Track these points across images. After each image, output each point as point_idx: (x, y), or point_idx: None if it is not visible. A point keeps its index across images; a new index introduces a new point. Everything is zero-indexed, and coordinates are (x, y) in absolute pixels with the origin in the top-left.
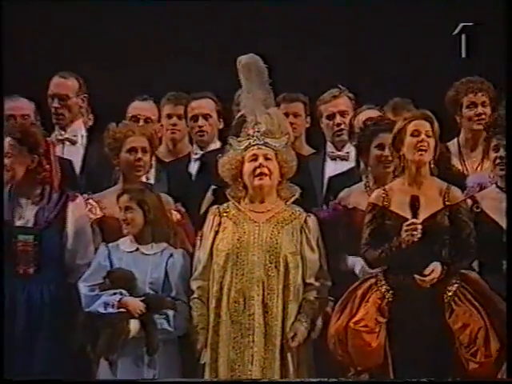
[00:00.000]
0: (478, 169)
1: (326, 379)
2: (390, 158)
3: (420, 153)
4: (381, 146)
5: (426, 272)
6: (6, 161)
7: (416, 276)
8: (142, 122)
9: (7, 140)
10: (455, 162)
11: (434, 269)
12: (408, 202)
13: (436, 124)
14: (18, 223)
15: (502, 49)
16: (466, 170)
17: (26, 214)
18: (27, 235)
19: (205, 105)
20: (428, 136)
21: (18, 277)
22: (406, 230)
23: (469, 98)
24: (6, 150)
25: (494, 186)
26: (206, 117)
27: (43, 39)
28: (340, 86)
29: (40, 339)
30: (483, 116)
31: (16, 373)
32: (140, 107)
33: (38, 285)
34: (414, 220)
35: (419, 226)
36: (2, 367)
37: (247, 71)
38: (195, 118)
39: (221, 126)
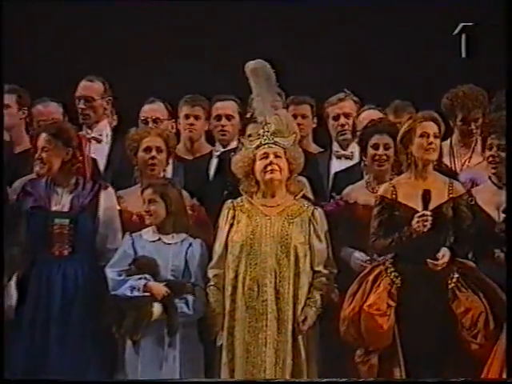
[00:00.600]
0: (464, 166)
1: (333, 379)
2: (385, 158)
3: (428, 153)
4: (375, 146)
5: (438, 257)
6: (43, 154)
7: (429, 260)
8: (151, 123)
9: (43, 136)
10: (445, 159)
11: (444, 254)
12: (420, 194)
13: (443, 125)
14: (55, 208)
15: (501, 49)
16: (455, 167)
17: (62, 201)
18: (63, 219)
19: (229, 106)
20: (435, 137)
21: (54, 258)
22: (418, 221)
23: (463, 113)
24: (43, 145)
25: (489, 181)
26: (228, 117)
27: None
28: (345, 90)
29: (73, 318)
30: (475, 130)
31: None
32: (148, 109)
33: (72, 265)
34: (425, 212)
35: (430, 218)
36: (2, 367)
37: (255, 76)
38: (218, 118)
39: (241, 127)
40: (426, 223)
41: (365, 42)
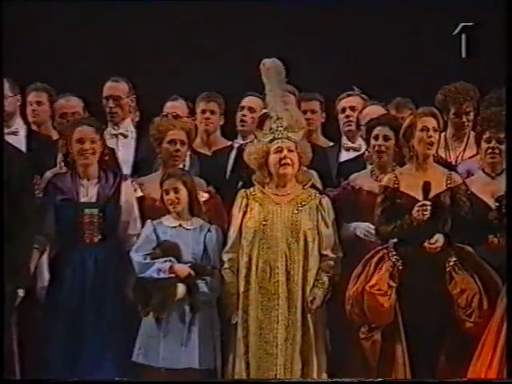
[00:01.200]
0: (459, 158)
1: (338, 379)
2: (383, 148)
3: (428, 146)
4: (376, 137)
5: (432, 241)
6: (88, 146)
7: (425, 243)
8: (164, 118)
9: (87, 128)
10: (441, 152)
11: (438, 239)
12: (420, 185)
13: (441, 120)
14: (83, 200)
15: (502, 49)
16: (450, 159)
17: (89, 192)
18: (92, 209)
19: (253, 101)
20: (435, 131)
21: (85, 245)
22: (418, 210)
23: (456, 107)
24: (90, 137)
25: (481, 172)
26: (250, 110)
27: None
28: (354, 87)
29: (105, 299)
30: (466, 122)
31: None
32: (170, 106)
33: (103, 251)
34: (425, 201)
35: (429, 207)
36: (2, 367)
37: (268, 73)
38: (241, 109)
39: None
40: (425, 212)
41: (368, 43)
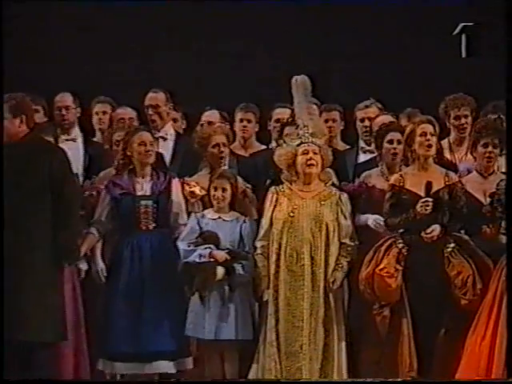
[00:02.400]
0: (463, 159)
1: (347, 379)
2: (397, 151)
3: (427, 148)
4: (390, 141)
5: (428, 231)
6: (150, 148)
7: (422, 234)
8: (205, 125)
9: (146, 134)
10: (446, 154)
11: (434, 229)
12: (424, 183)
13: (437, 126)
14: (140, 193)
15: (502, 49)
16: (455, 159)
17: (144, 187)
18: (147, 201)
19: (283, 112)
20: (432, 135)
21: (142, 231)
22: (421, 206)
23: (455, 111)
24: (150, 141)
25: (475, 172)
26: (280, 120)
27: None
28: (371, 98)
29: (158, 278)
30: (465, 125)
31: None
32: (208, 115)
33: (156, 237)
34: (428, 198)
35: (430, 203)
36: (1, 367)
37: (298, 88)
38: (277, 121)
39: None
40: (427, 207)
41: (373, 48)
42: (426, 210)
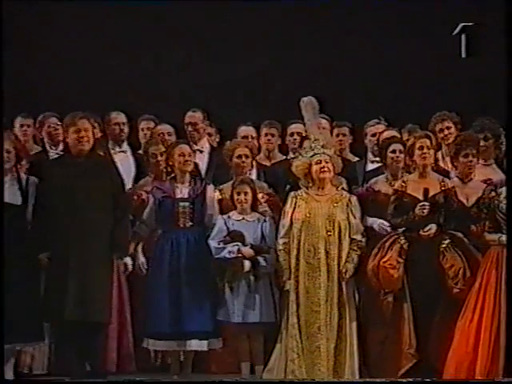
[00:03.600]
0: (453, 168)
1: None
2: (400, 159)
3: (425, 159)
4: (393, 151)
5: (426, 229)
6: (189, 158)
7: (420, 231)
8: (239, 138)
9: (185, 147)
10: (441, 163)
11: (431, 227)
12: (422, 190)
13: (434, 140)
14: (179, 196)
15: (502, 49)
16: (447, 168)
17: (183, 192)
18: (185, 203)
19: (300, 127)
20: (428, 148)
21: (180, 228)
22: (419, 208)
23: (439, 125)
24: (188, 152)
25: (457, 178)
26: (299, 134)
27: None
28: (380, 117)
29: (194, 269)
30: (449, 135)
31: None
32: (244, 130)
33: (192, 234)
34: (425, 202)
35: (427, 206)
36: (1, 367)
37: (306, 107)
38: (292, 135)
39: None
40: (424, 210)
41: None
42: (424, 212)
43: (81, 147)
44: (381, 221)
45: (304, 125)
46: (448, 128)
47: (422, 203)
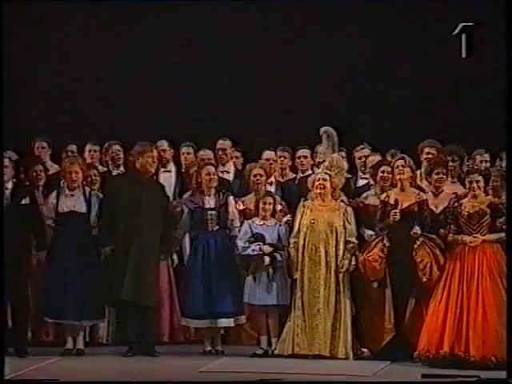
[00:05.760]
0: (428, 184)
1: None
2: (388, 178)
3: (401, 176)
4: (382, 172)
5: (415, 231)
6: (215, 177)
7: (412, 230)
8: (263, 160)
9: (211, 168)
10: (418, 180)
11: (417, 230)
12: (394, 200)
13: (407, 160)
14: (207, 206)
15: (501, 49)
16: (422, 185)
17: (210, 202)
18: (213, 211)
19: (306, 152)
20: (403, 167)
21: (209, 232)
22: (392, 215)
23: (426, 149)
24: (213, 172)
25: (430, 192)
26: (305, 157)
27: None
28: (365, 143)
29: (223, 265)
30: (430, 158)
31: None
32: (267, 153)
33: (220, 236)
34: (396, 210)
35: (398, 213)
36: (2, 367)
37: (322, 135)
38: (299, 157)
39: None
40: (395, 216)
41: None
42: (395, 218)
43: (150, 169)
44: (370, 232)
45: (311, 149)
46: (431, 153)
47: (394, 211)
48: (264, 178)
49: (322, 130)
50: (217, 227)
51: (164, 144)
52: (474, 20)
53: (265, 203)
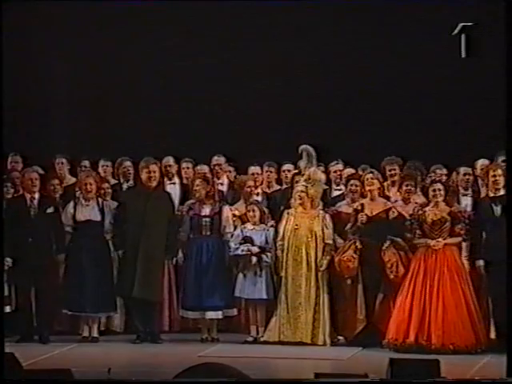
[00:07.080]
0: (396, 194)
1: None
2: (358, 189)
3: (371, 187)
4: (352, 183)
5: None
6: (213, 189)
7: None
8: (249, 174)
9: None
10: (386, 191)
11: (389, 240)
12: (359, 206)
13: (375, 174)
14: (203, 214)
15: (502, 49)
16: (390, 194)
17: (207, 211)
18: (208, 218)
19: (290, 166)
20: (372, 179)
21: (202, 236)
22: (359, 218)
23: (388, 166)
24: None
25: (401, 200)
26: (289, 171)
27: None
28: (340, 159)
29: (216, 264)
30: (393, 173)
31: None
32: (253, 168)
33: (211, 240)
34: (362, 213)
35: (365, 216)
36: (1, 367)
37: (302, 153)
38: (284, 171)
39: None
40: (362, 219)
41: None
42: (362, 220)
43: (151, 183)
44: (339, 240)
45: (294, 164)
46: (394, 169)
47: (361, 214)
48: (255, 189)
49: (302, 147)
50: (209, 232)
51: (170, 160)
52: (474, 20)
53: (249, 211)
